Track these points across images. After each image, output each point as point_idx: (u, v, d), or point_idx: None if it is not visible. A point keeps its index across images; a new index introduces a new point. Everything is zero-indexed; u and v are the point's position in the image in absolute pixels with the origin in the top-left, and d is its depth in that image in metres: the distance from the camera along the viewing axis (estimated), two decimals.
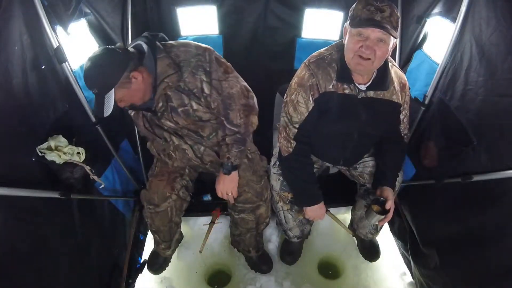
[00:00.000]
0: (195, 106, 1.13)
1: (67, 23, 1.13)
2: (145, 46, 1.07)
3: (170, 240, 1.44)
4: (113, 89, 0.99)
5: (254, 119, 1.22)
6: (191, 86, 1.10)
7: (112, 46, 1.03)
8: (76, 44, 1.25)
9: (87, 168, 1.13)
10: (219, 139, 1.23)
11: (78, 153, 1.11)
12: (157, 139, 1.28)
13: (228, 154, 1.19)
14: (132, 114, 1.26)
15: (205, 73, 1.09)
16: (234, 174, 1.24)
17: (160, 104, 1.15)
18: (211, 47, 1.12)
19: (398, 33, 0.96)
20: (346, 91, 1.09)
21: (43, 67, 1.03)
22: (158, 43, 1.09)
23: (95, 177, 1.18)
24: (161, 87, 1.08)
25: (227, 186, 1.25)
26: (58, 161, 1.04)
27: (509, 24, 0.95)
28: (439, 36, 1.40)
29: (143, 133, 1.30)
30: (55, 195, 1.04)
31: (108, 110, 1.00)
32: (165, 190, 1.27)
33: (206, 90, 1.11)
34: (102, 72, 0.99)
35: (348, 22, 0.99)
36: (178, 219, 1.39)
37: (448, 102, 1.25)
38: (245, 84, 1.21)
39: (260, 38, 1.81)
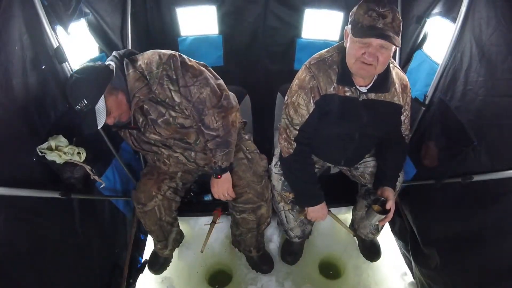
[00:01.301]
0: (173, 114, 1.12)
1: (67, 23, 1.12)
2: (113, 65, 1.06)
3: (165, 240, 1.43)
4: (103, 96, 0.98)
5: (234, 117, 1.19)
6: (162, 97, 1.09)
7: (91, 63, 1.04)
8: (76, 44, 1.25)
9: (88, 168, 1.13)
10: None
11: (79, 153, 1.11)
12: (148, 153, 1.28)
13: (213, 158, 1.19)
14: (122, 134, 1.26)
15: (171, 82, 1.07)
16: (226, 175, 1.23)
17: (141, 119, 1.14)
18: (176, 53, 1.09)
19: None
20: (347, 94, 1.09)
21: (43, 67, 1.03)
22: (126, 59, 1.08)
23: (96, 177, 1.18)
24: (133, 102, 1.06)
25: (221, 188, 1.25)
26: (59, 161, 1.04)
27: (509, 24, 0.96)
28: (439, 36, 1.40)
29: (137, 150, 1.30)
30: (55, 195, 1.03)
31: (101, 120, 0.98)
32: (152, 190, 1.27)
33: (176, 99, 1.09)
34: (88, 81, 0.98)
35: (350, 27, 0.98)
36: (170, 219, 1.38)
37: (448, 102, 1.25)
38: (220, 82, 1.18)
39: (260, 38, 1.81)
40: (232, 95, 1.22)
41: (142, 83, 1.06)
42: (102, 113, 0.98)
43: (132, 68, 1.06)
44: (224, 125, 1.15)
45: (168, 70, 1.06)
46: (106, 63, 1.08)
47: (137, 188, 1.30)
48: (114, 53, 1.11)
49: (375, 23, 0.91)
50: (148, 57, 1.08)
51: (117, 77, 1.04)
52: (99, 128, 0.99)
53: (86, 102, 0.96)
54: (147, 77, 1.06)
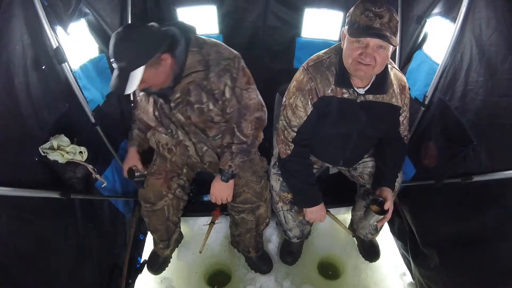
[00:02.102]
0: (211, 106, 1.12)
1: (67, 23, 1.12)
2: (179, 34, 1.04)
3: (168, 240, 1.43)
4: (143, 66, 0.94)
5: (261, 134, 1.24)
6: (214, 87, 1.09)
7: (147, 24, 0.99)
8: (76, 44, 1.25)
9: (90, 167, 1.13)
10: (223, 142, 1.22)
11: (81, 152, 1.11)
12: (158, 132, 1.25)
13: (231, 162, 1.18)
14: (141, 95, 1.21)
15: (231, 79, 1.08)
16: (231, 181, 1.24)
17: (178, 95, 1.11)
18: (239, 55, 1.12)
19: (398, 35, 0.95)
20: (345, 95, 1.09)
21: (43, 67, 1.03)
22: (193, 35, 1.08)
23: (98, 176, 1.18)
24: (186, 80, 1.06)
25: (222, 193, 1.24)
26: (61, 160, 1.04)
27: (509, 25, 0.95)
28: (439, 36, 1.40)
29: (148, 121, 1.24)
30: (55, 195, 1.04)
31: (131, 88, 0.94)
32: (162, 189, 1.27)
33: (227, 95, 1.10)
34: (136, 46, 0.93)
35: (346, 27, 0.98)
36: (176, 218, 1.38)
37: (448, 102, 1.24)
38: (261, 98, 1.21)
39: (260, 38, 1.82)
40: (266, 113, 1.24)
41: (202, 67, 1.06)
42: (135, 81, 0.94)
43: (197, 47, 1.06)
44: (254, 136, 1.19)
45: (232, 67, 1.08)
46: (168, 27, 1.05)
47: (146, 187, 1.29)
48: (179, 22, 1.09)
49: (371, 23, 0.91)
50: (216, 45, 1.09)
51: (180, 50, 1.03)
52: (125, 93, 0.96)
53: (124, 64, 0.93)
54: (209, 63, 1.06)
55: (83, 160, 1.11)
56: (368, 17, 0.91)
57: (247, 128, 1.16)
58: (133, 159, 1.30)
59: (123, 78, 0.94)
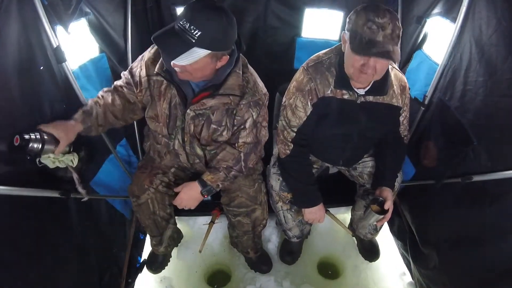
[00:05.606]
0: (225, 132, 1.13)
1: (67, 23, 1.12)
2: (236, 52, 1.03)
3: (159, 235, 1.41)
4: (209, 51, 0.88)
5: (254, 164, 1.25)
6: (239, 114, 1.09)
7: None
8: (76, 44, 1.25)
9: (75, 176, 1.08)
10: (217, 157, 1.19)
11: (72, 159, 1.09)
12: (157, 134, 1.21)
13: (221, 182, 1.16)
14: (157, 82, 1.08)
15: (257, 114, 1.11)
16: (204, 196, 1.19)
17: (203, 107, 1.06)
18: (268, 94, 1.15)
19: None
20: (345, 96, 1.09)
21: (41, 68, 1.03)
22: (243, 56, 1.09)
23: (80, 187, 1.10)
24: (222, 100, 1.04)
25: (191, 202, 1.19)
26: (51, 166, 1.02)
27: (509, 25, 0.95)
28: (439, 36, 1.40)
29: (151, 112, 1.14)
30: (55, 194, 1.04)
31: (182, 61, 0.87)
32: (144, 183, 1.26)
33: (247, 126, 1.12)
34: (220, 29, 0.88)
35: (348, 35, 0.96)
36: (164, 214, 1.35)
37: (447, 102, 1.25)
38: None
39: (260, 38, 1.82)
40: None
41: (240, 92, 1.06)
42: (190, 58, 0.88)
43: (241, 71, 1.06)
44: (249, 169, 1.21)
45: (262, 103, 1.11)
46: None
47: (132, 182, 1.30)
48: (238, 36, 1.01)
49: (374, 36, 0.88)
50: (255, 78, 1.11)
51: (229, 63, 1.00)
52: (169, 61, 0.89)
53: (194, 33, 0.84)
54: (245, 91, 1.07)
55: (73, 166, 1.09)
56: (371, 30, 0.88)
57: (252, 162, 1.20)
58: (57, 127, 0.94)
59: (184, 47, 0.85)
